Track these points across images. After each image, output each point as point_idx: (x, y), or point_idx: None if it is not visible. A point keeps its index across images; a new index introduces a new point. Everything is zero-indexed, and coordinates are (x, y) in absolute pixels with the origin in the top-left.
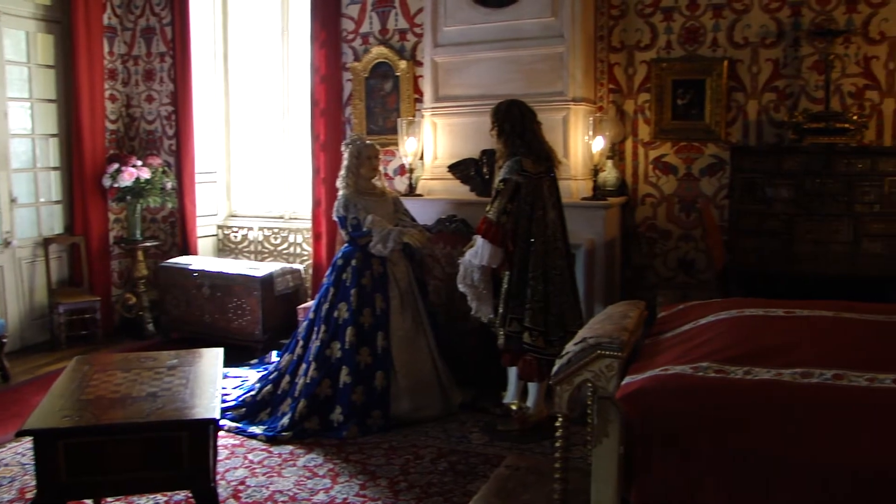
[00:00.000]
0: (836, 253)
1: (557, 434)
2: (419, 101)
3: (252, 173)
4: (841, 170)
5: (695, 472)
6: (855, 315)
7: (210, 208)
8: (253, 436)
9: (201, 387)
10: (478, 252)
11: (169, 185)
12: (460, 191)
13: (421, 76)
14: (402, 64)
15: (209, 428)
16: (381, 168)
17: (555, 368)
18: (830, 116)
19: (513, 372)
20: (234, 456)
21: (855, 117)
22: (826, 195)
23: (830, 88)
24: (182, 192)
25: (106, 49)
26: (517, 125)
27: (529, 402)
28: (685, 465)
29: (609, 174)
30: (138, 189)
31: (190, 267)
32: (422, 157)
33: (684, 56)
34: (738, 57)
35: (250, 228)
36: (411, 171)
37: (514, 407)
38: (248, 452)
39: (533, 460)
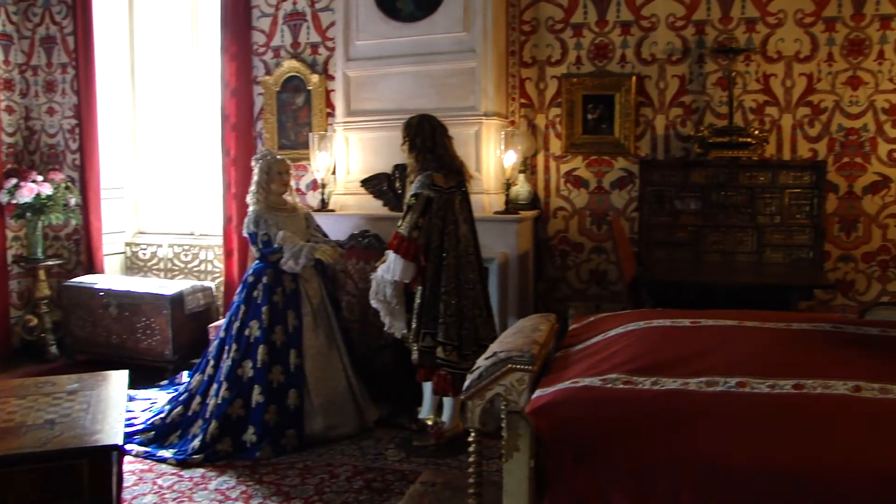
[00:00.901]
0: (741, 263)
1: (470, 449)
2: (331, 115)
3: (161, 189)
4: (744, 182)
5: (605, 483)
6: (757, 323)
7: (117, 225)
8: (162, 460)
9: (104, 411)
10: (390, 267)
11: (73, 202)
12: (373, 206)
13: (333, 90)
14: (315, 78)
15: (112, 455)
16: (292, 183)
17: (466, 383)
18: (734, 131)
19: (428, 387)
20: (143, 482)
21: (756, 132)
22: (731, 207)
23: (733, 104)
24: (87, 208)
25: (1, 58)
26: (428, 140)
27: (445, 417)
28: (596, 477)
29: (521, 188)
30: (39, 205)
31: (95, 286)
32: (334, 172)
33: (594, 71)
34: (646, 73)
35: (160, 245)
36: (324, 186)
37: (429, 422)
38: (158, 477)
39: (448, 475)
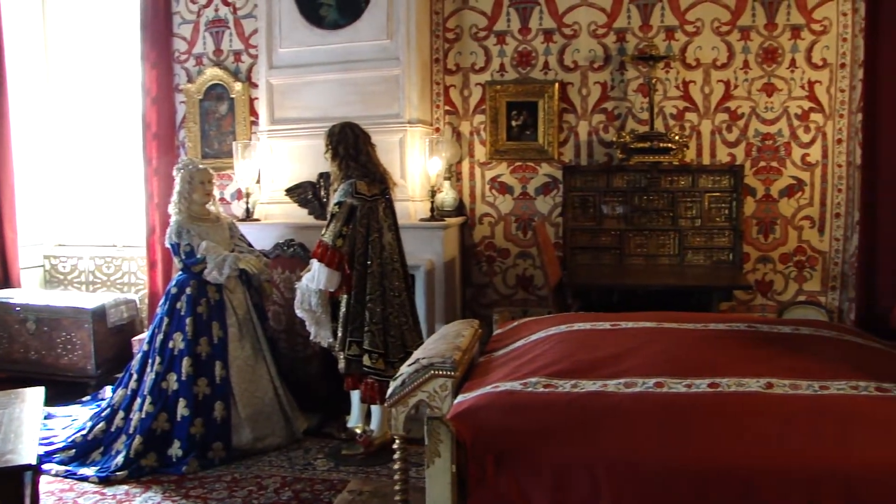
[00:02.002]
0: (663, 265)
1: (396, 456)
2: (256, 123)
3: (82, 200)
4: (665, 187)
5: (527, 486)
6: (676, 324)
7: (35, 237)
8: (84, 478)
9: (17, 431)
10: (314, 276)
11: None
12: (298, 214)
13: (257, 98)
14: (238, 86)
15: (24, 475)
16: (215, 193)
17: (389, 390)
18: (654, 137)
19: (356, 395)
20: (62, 502)
21: (677, 137)
22: (653, 211)
23: (654, 110)
24: (0, 220)
25: None
26: (351, 148)
27: (373, 425)
28: (517, 480)
29: (447, 195)
30: None
31: (11, 301)
32: (259, 181)
33: (517, 79)
34: (569, 80)
35: (80, 258)
36: (248, 195)
37: (358, 430)
38: (79, 497)
39: (376, 483)
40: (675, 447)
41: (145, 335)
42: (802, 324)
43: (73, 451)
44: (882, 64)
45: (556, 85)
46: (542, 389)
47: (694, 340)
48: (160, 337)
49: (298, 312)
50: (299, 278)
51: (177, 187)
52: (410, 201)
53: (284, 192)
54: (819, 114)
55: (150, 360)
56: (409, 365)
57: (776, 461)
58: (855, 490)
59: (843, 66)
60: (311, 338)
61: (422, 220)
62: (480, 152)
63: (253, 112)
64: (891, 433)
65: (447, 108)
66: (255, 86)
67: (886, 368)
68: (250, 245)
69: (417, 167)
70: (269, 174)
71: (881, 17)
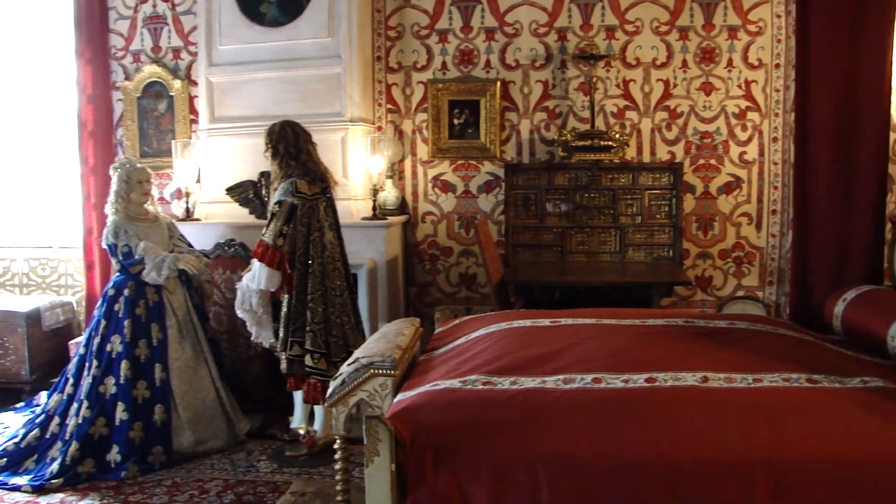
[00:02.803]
0: (605, 262)
1: (337, 456)
2: (195, 122)
3: (14, 199)
4: (606, 185)
5: (466, 483)
6: (614, 321)
7: None
8: (16, 488)
9: None
10: (255, 276)
11: None
12: (239, 214)
13: (197, 96)
14: (177, 83)
15: None
16: (154, 192)
17: (329, 390)
18: (595, 135)
19: (298, 396)
20: None
21: (617, 135)
22: (594, 209)
23: (595, 108)
24: None
25: None
26: (291, 146)
27: (317, 426)
28: (457, 477)
29: (389, 193)
30: None
31: None
32: (199, 181)
33: (459, 77)
34: (511, 78)
35: (14, 259)
36: (188, 194)
37: (301, 431)
38: None
39: (320, 484)
40: (613, 442)
41: (82, 338)
42: (738, 318)
43: (5, 459)
44: (812, 65)
45: (498, 83)
46: (481, 387)
47: (632, 336)
48: (97, 340)
49: (239, 313)
50: (240, 278)
51: (114, 187)
52: (352, 200)
53: (225, 192)
54: (756, 112)
55: (87, 364)
56: (349, 364)
57: (710, 453)
58: (785, 479)
59: (777, 66)
60: (253, 338)
61: (364, 218)
62: (423, 151)
63: (193, 110)
64: (820, 423)
65: (389, 106)
66: (195, 83)
67: (817, 360)
68: (190, 245)
69: (359, 166)
70: (210, 173)
71: (811, 19)
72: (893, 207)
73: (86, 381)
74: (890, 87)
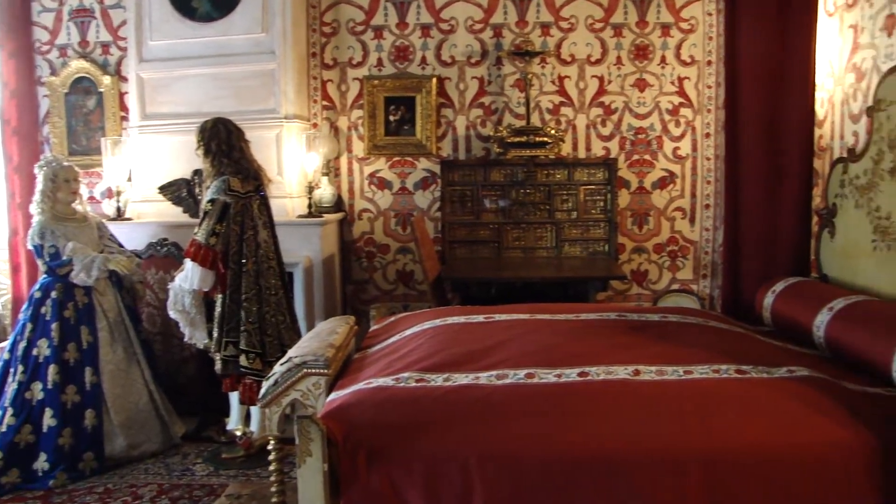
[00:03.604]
0: (541, 258)
1: (271, 457)
2: (126, 119)
3: None
4: (542, 180)
5: (400, 481)
6: (548, 316)
7: None
8: None
9: None
10: (187, 276)
11: None
12: (172, 213)
13: (127, 93)
14: (106, 79)
15: None
16: (83, 191)
17: (262, 390)
18: (531, 131)
19: (234, 397)
20: None
21: (553, 131)
22: (530, 204)
23: (530, 105)
24: None
25: None
26: (224, 144)
27: (253, 427)
28: (390, 476)
29: (325, 191)
30: None
31: None
32: (130, 179)
33: (395, 73)
34: (447, 74)
35: None
36: (119, 193)
37: (238, 433)
38: None
39: (256, 486)
40: (546, 437)
41: (6, 343)
42: (670, 311)
43: None
44: (741, 62)
45: (434, 80)
46: (414, 384)
47: (565, 331)
48: (23, 344)
49: (171, 314)
50: (173, 278)
51: (39, 186)
52: (288, 198)
53: (158, 190)
54: (688, 109)
55: (11, 370)
56: (282, 364)
57: (642, 445)
58: (716, 469)
59: (709, 63)
60: (186, 339)
61: (299, 216)
62: (358, 147)
63: (123, 107)
64: (748, 413)
65: (325, 103)
66: (125, 79)
67: (747, 351)
68: (121, 245)
69: (294, 163)
70: (142, 171)
71: (739, 17)
72: (819, 201)
73: (10, 388)
74: (814, 85)
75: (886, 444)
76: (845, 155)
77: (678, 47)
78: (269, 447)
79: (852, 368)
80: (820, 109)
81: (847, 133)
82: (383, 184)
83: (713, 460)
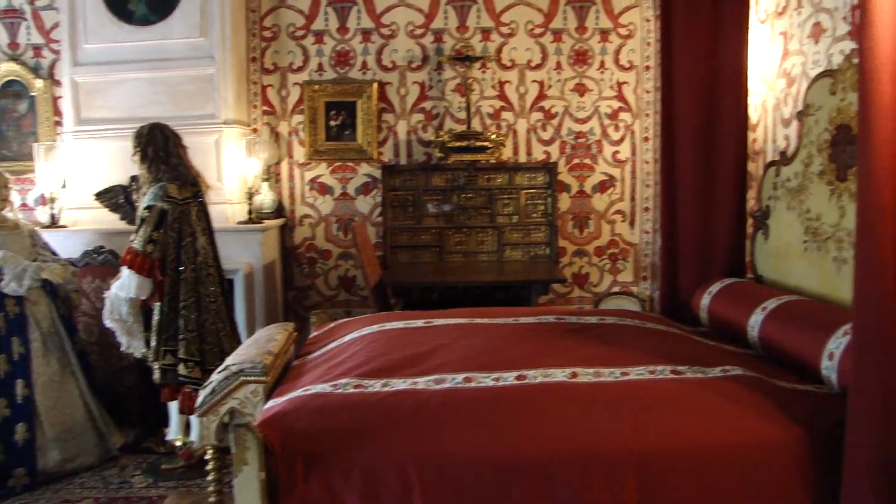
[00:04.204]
0: (483, 262)
1: (209, 467)
2: (60, 123)
3: None
4: (483, 185)
5: (338, 488)
6: (487, 320)
7: None
8: None
9: None
10: (124, 284)
11: None
12: (109, 220)
13: (61, 97)
14: (39, 83)
15: None
16: (15, 198)
17: (199, 399)
18: (472, 135)
19: (174, 406)
20: None
21: (493, 136)
22: (471, 209)
23: (471, 110)
24: None
25: None
26: (161, 150)
27: (193, 437)
28: (328, 483)
29: (265, 197)
30: None
31: None
32: (65, 186)
33: (336, 78)
34: (387, 79)
35: None
36: (53, 200)
37: (178, 443)
38: None
39: (196, 496)
40: (484, 440)
41: None
42: (608, 314)
43: None
44: (676, 67)
45: (375, 85)
46: (352, 390)
47: (504, 335)
48: None
49: (107, 323)
50: (110, 287)
51: None
52: (227, 204)
53: (94, 197)
54: (627, 113)
55: None
56: (219, 372)
57: (579, 447)
58: (651, 469)
59: (647, 68)
60: (124, 349)
61: (239, 222)
62: (299, 153)
63: (57, 111)
64: (682, 413)
65: (265, 108)
66: (59, 83)
67: (682, 352)
68: (55, 253)
69: (234, 169)
70: (77, 178)
71: (674, 24)
72: (753, 203)
73: None
74: (747, 90)
75: (816, 439)
76: (777, 158)
77: (617, 52)
78: (207, 457)
79: (785, 366)
80: (753, 114)
81: (779, 137)
82: (324, 189)
83: (648, 460)
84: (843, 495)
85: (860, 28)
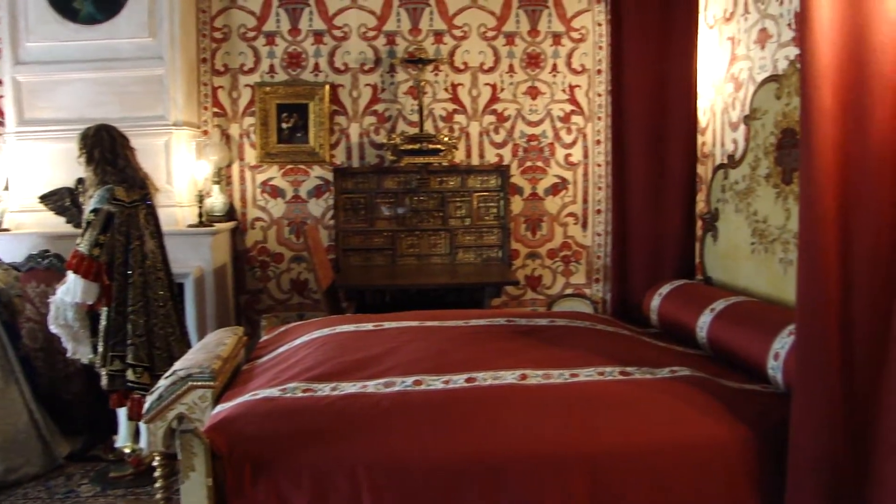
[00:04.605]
0: (436, 265)
1: (157, 474)
2: (2, 124)
3: None
4: (436, 187)
5: (287, 493)
6: (437, 323)
7: None
8: None
9: None
10: (70, 288)
11: None
12: (54, 223)
13: (2, 96)
14: None
15: None
16: None
17: (146, 405)
18: (424, 138)
19: (122, 413)
20: None
21: (446, 139)
22: (424, 212)
23: (424, 112)
24: None
25: None
26: (107, 151)
27: (143, 443)
28: (277, 488)
29: (216, 199)
30: None
31: None
32: (7, 188)
33: (287, 80)
34: (340, 82)
35: None
36: None
37: (127, 450)
38: None
39: None
40: (433, 443)
41: None
42: (558, 316)
43: None
44: (627, 71)
45: (327, 87)
46: (300, 394)
47: (454, 337)
48: None
49: (53, 328)
50: (55, 291)
51: None
52: (177, 207)
53: (38, 200)
54: (580, 116)
55: None
56: (167, 377)
57: (527, 449)
58: (600, 470)
59: (599, 71)
60: (70, 355)
61: (190, 226)
62: (251, 155)
63: None
64: (631, 413)
65: (215, 109)
66: (0, 83)
67: (632, 353)
68: None
69: (184, 171)
70: (20, 180)
71: (625, 28)
72: (703, 206)
73: None
74: (696, 92)
75: (762, 438)
76: (726, 161)
77: (569, 56)
78: (155, 463)
79: (733, 367)
80: (702, 117)
81: (727, 140)
82: (276, 192)
83: (597, 461)
84: (788, 494)
85: (801, 35)
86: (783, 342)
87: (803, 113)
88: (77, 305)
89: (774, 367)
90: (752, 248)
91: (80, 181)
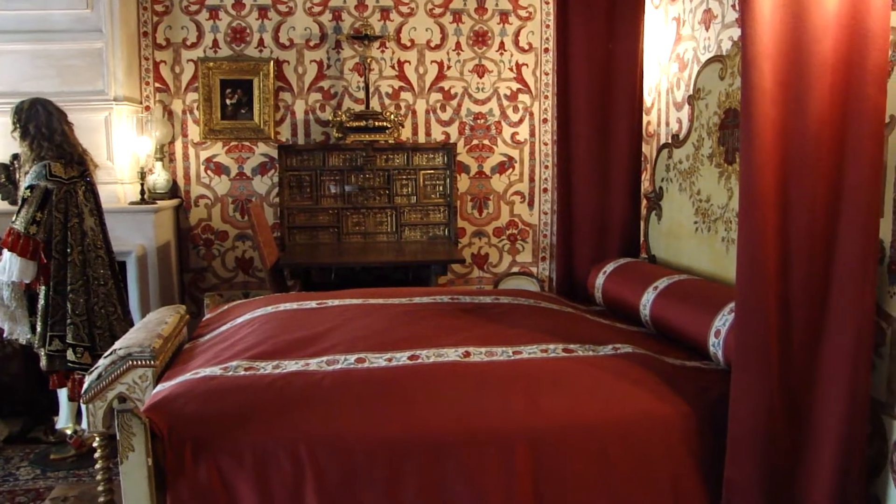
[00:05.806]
0: (382, 243)
1: (97, 455)
2: None
3: None
4: (381, 165)
5: (229, 472)
6: (381, 300)
7: None
8: None
9: None
10: (6, 267)
11: None
12: None
13: None
14: None
15: None
16: None
17: (85, 385)
18: (370, 115)
19: (63, 394)
20: None
21: (392, 116)
22: (369, 189)
23: (370, 89)
24: None
25: None
26: (44, 126)
27: (85, 424)
28: (218, 467)
29: (159, 176)
30: None
31: None
32: None
33: (232, 56)
34: (285, 58)
35: None
36: None
37: (69, 431)
38: None
39: (84, 487)
40: (376, 420)
41: None
42: (502, 293)
43: None
44: (573, 50)
45: (272, 63)
46: (242, 373)
47: (398, 315)
48: None
49: None
50: None
51: None
52: (119, 184)
53: None
54: (526, 94)
55: None
56: (106, 357)
57: (470, 426)
58: (542, 446)
59: (546, 50)
60: (7, 335)
61: (131, 203)
62: (194, 132)
63: None
64: (573, 390)
65: (157, 85)
66: None
67: (575, 330)
68: None
69: (125, 147)
70: None
71: (571, 6)
72: (647, 185)
73: None
74: (642, 72)
75: (702, 414)
76: (670, 141)
77: (516, 34)
78: (95, 444)
79: (675, 344)
80: (648, 97)
81: (672, 120)
82: (220, 169)
83: (539, 437)
84: (727, 468)
85: (742, 17)
86: (724, 319)
87: (744, 93)
88: (14, 284)
89: (715, 345)
90: (696, 226)
91: (15, 157)
